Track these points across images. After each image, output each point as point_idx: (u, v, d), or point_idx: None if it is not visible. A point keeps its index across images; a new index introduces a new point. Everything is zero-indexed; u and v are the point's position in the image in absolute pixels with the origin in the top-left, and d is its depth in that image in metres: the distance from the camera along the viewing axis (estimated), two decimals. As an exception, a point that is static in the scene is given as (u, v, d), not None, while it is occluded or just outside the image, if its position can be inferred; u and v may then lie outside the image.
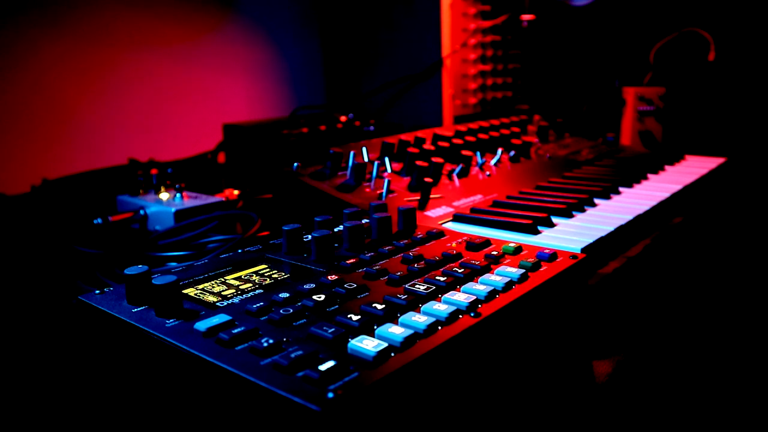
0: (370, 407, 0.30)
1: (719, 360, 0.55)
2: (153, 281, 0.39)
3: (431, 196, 0.76)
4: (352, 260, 0.48)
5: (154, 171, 0.92)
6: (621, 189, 0.84)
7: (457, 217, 0.71)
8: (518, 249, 0.51)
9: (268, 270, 0.48)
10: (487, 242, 0.53)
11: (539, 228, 0.66)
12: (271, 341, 0.34)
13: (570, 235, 0.63)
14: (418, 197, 0.75)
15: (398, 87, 1.31)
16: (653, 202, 0.76)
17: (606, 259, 0.62)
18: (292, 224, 0.53)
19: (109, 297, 0.42)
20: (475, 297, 0.40)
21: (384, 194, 0.73)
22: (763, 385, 0.51)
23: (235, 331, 0.35)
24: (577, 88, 1.48)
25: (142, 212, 0.85)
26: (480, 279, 0.44)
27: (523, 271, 0.45)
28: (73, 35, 1.12)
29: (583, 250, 0.58)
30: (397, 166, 0.84)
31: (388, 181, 0.74)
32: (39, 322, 0.59)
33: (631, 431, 0.46)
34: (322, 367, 0.31)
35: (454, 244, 0.53)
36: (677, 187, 0.85)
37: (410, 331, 0.35)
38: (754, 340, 0.59)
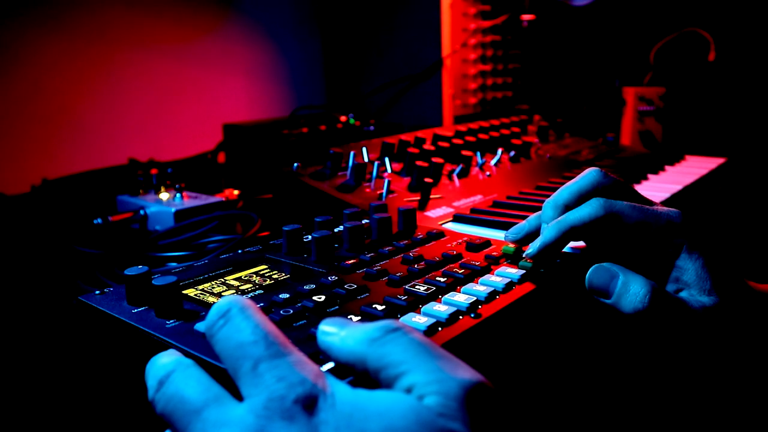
0: (370, 408, 0.30)
1: (720, 360, 0.55)
2: (153, 282, 0.39)
3: (431, 196, 0.76)
4: (352, 261, 0.48)
5: (154, 171, 0.92)
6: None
7: (457, 218, 0.71)
8: (518, 250, 0.51)
9: (268, 270, 0.48)
10: (487, 243, 0.53)
11: (539, 228, 0.66)
12: (271, 342, 0.34)
13: (570, 235, 0.63)
14: (418, 197, 0.75)
15: (398, 87, 1.31)
16: (653, 203, 0.75)
17: (606, 259, 0.62)
18: (293, 224, 0.52)
19: (109, 297, 0.42)
20: (475, 298, 0.40)
21: (384, 194, 0.73)
22: (762, 386, 0.51)
23: (236, 331, 0.35)
24: (577, 88, 1.48)
25: (142, 212, 0.85)
26: (480, 280, 0.44)
27: (524, 271, 0.45)
28: (72, 35, 1.12)
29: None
30: (397, 166, 0.84)
31: (388, 182, 0.74)
32: (39, 322, 0.59)
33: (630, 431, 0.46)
34: (323, 368, 0.31)
35: (454, 245, 0.53)
36: (677, 187, 0.85)
37: (410, 332, 0.35)
38: (755, 340, 0.59)
